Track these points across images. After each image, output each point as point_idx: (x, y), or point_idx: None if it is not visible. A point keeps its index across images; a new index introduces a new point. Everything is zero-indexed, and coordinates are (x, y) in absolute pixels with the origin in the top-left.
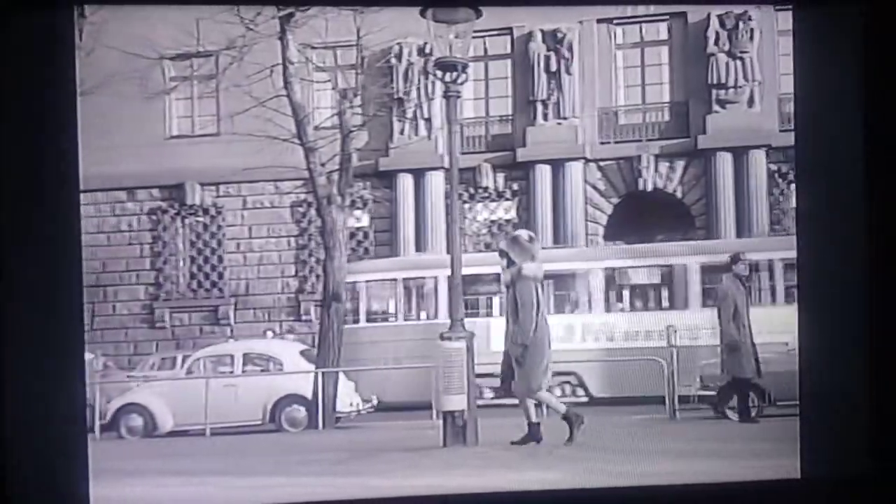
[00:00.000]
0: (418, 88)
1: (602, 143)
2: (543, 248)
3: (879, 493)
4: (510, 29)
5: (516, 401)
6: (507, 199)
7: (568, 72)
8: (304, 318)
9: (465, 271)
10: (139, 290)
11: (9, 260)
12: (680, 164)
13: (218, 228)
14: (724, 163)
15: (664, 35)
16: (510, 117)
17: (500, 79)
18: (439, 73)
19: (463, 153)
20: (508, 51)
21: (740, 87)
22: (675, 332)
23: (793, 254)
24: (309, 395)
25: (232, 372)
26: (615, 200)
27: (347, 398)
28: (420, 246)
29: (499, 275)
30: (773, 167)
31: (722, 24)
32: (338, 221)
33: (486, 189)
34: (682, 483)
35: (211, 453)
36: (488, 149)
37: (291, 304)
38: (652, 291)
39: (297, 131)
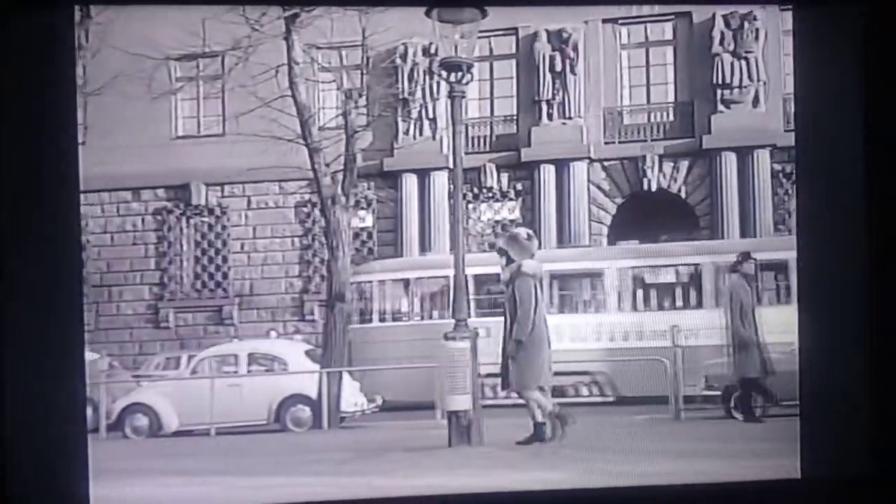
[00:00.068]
0: (423, 88)
1: (606, 143)
2: (560, 247)
3: (879, 493)
4: (515, 29)
5: (522, 400)
6: (512, 199)
7: (573, 72)
8: (307, 318)
9: (480, 271)
10: (144, 289)
11: (9, 260)
12: (684, 164)
13: (223, 228)
14: (729, 163)
15: (669, 35)
16: (515, 117)
17: (504, 79)
18: (444, 74)
19: (467, 153)
20: (513, 51)
21: (745, 87)
22: (680, 331)
23: None
24: (314, 395)
25: (237, 372)
26: (619, 200)
27: (352, 398)
28: (424, 246)
29: None
30: (778, 167)
31: (727, 24)
32: (342, 221)
33: (490, 189)
34: (682, 483)
35: (214, 453)
36: (493, 149)
37: (295, 304)
38: (665, 291)
39: (301, 131)
